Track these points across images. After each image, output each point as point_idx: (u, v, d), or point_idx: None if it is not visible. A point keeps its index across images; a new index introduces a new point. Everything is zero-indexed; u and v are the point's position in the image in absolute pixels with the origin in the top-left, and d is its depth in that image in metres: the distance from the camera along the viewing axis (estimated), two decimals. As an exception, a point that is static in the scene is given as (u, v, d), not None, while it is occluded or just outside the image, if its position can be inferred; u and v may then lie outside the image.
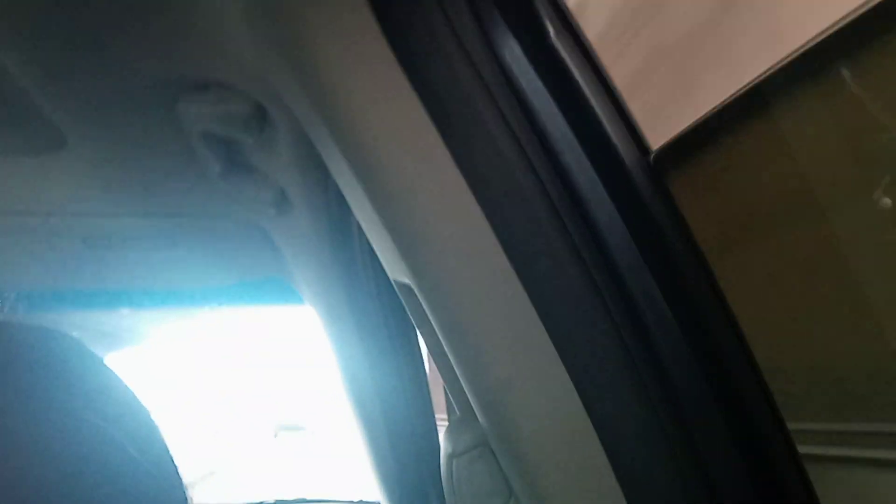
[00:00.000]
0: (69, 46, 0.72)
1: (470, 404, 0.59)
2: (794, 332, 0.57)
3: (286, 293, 1.41)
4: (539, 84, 0.51)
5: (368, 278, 1.19)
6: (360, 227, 1.07)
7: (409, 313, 0.65)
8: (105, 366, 0.44)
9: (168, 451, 0.45)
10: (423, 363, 1.38)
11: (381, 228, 0.54)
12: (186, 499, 0.45)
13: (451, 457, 0.57)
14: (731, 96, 0.47)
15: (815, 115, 0.45)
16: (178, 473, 0.45)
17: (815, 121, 0.46)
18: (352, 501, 1.94)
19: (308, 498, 2.11)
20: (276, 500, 2.11)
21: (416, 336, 1.33)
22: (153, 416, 0.45)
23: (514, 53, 0.52)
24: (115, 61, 0.74)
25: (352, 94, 0.50)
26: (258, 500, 2.13)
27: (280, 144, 0.84)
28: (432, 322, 0.55)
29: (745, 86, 0.46)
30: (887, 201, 0.46)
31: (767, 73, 0.46)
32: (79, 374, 0.37)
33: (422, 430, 1.43)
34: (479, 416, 0.54)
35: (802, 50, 0.43)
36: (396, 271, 0.60)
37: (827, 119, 0.45)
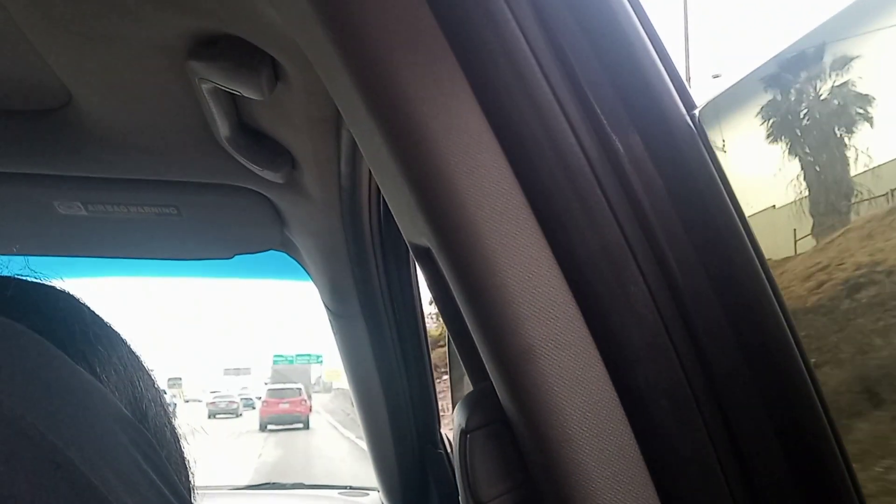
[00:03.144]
0: None
1: (483, 379, 0.56)
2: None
3: (285, 268, 1.38)
4: (578, 32, 0.48)
5: (376, 253, 1.16)
6: (370, 201, 1.04)
7: (424, 278, 0.61)
8: (105, 322, 0.42)
9: (170, 420, 0.43)
10: (427, 345, 1.36)
11: (402, 186, 0.51)
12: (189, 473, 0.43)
13: (464, 432, 0.54)
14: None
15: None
16: (178, 440, 0.43)
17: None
18: (348, 487, 1.92)
19: (305, 483, 2.10)
20: (272, 483, 2.11)
21: (422, 317, 1.31)
22: (157, 379, 0.44)
23: (555, 1, 0.48)
24: (120, 10, 0.71)
25: (384, 50, 0.47)
26: (255, 483, 2.12)
27: (292, 105, 0.80)
28: (452, 286, 0.52)
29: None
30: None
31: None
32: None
33: (423, 416, 1.40)
34: (497, 387, 0.51)
35: None
36: (414, 233, 0.56)
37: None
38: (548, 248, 0.47)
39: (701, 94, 0.46)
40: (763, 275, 0.47)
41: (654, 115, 0.47)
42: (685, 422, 0.48)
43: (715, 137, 0.46)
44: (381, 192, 0.62)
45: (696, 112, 0.46)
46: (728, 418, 0.48)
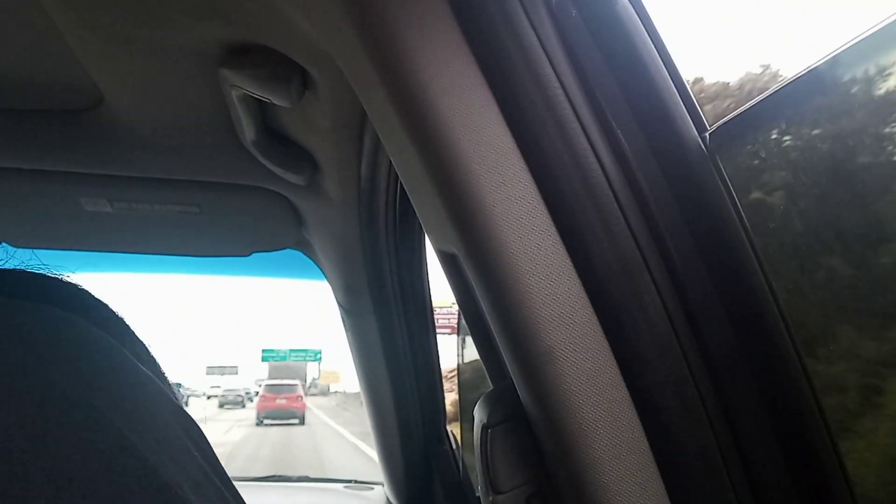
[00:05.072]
0: (114, 3, 0.72)
1: (502, 378, 0.59)
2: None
3: (300, 266, 1.42)
4: (599, 57, 0.51)
5: (391, 253, 1.19)
6: (387, 204, 1.07)
7: (449, 283, 0.65)
8: (123, 353, 0.37)
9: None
10: (436, 347, 1.39)
11: (432, 196, 0.54)
12: None
13: (485, 427, 0.58)
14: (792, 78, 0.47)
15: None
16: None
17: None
18: (353, 480, 1.96)
19: (310, 476, 2.14)
20: (277, 475, 2.14)
21: (432, 316, 1.34)
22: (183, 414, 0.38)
23: (577, 26, 0.52)
24: (159, 19, 0.74)
25: (417, 66, 0.50)
26: (262, 475, 2.16)
27: (318, 112, 0.84)
28: (477, 292, 0.55)
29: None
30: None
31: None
32: (86, 359, 0.32)
33: (430, 413, 1.44)
34: (518, 386, 0.55)
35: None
36: (442, 240, 0.60)
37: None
38: (568, 257, 0.51)
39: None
40: (765, 282, 0.51)
41: (668, 137, 0.51)
42: (692, 421, 0.51)
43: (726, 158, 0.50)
44: (411, 200, 0.65)
45: (707, 134, 0.50)
46: (732, 418, 0.52)
